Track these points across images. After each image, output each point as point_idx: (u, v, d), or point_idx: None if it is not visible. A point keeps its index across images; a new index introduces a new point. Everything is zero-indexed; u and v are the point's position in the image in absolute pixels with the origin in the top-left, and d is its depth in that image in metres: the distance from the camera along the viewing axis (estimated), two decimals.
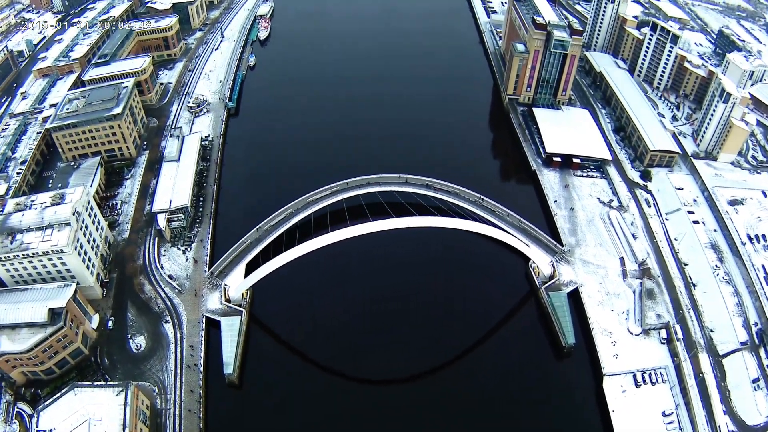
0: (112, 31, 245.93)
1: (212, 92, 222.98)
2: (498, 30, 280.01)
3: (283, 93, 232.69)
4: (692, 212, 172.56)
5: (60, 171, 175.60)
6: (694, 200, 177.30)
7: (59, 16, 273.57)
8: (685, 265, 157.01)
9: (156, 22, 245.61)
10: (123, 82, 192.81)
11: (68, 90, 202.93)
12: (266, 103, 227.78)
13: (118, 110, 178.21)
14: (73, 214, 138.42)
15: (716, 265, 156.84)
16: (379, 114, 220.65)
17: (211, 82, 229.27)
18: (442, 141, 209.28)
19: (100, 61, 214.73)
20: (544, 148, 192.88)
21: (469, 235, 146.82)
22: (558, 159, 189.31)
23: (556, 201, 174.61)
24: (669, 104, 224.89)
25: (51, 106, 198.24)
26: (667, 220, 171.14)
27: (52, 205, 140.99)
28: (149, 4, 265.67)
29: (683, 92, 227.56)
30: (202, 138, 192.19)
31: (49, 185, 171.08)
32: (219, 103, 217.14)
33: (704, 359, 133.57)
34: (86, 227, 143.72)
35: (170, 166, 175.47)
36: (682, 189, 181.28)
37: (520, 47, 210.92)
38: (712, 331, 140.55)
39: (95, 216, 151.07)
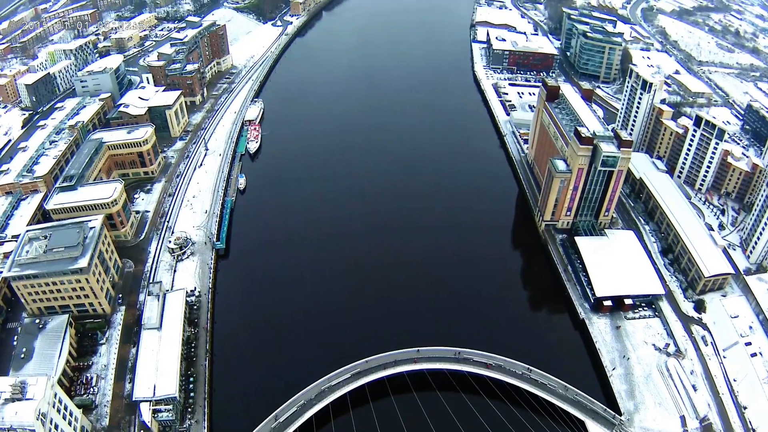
0: (81, 140, 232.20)
1: (197, 227, 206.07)
2: (522, 132, 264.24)
3: (280, 223, 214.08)
4: (749, 343, 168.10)
5: (24, 330, 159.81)
6: (750, 327, 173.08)
7: (26, 115, 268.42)
8: (745, 408, 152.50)
9: (129, 132, 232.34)
10: (90, 221, 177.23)
11: (29, 223, 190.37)
12: (260, 239, 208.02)
13: (83, 263, 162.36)
14: (38, 419, 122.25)
15: None
16: (394, 246, 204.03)
17: (196, 213, 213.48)
18: (472, 283, 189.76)
19: (65, 185, 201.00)
20: (592, 290, 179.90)
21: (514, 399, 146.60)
22: (608, 303, 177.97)
23: (614, 368, 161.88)
24: (713, 208, 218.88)
25: (13, 237, 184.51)
26: (725, 358, 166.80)
27: (13, 399, 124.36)
28: (122, 108, 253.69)
29: (725, 190, 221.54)
30: (187, 293, 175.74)
31: (14, 343, 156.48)
32: (205, 246, 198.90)
33: None
34: (56, 426, 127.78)
35: (151, 336, 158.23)
36: (737, 317, 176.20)
37: (561, 165, 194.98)
38: None
39: (65, 408, 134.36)
